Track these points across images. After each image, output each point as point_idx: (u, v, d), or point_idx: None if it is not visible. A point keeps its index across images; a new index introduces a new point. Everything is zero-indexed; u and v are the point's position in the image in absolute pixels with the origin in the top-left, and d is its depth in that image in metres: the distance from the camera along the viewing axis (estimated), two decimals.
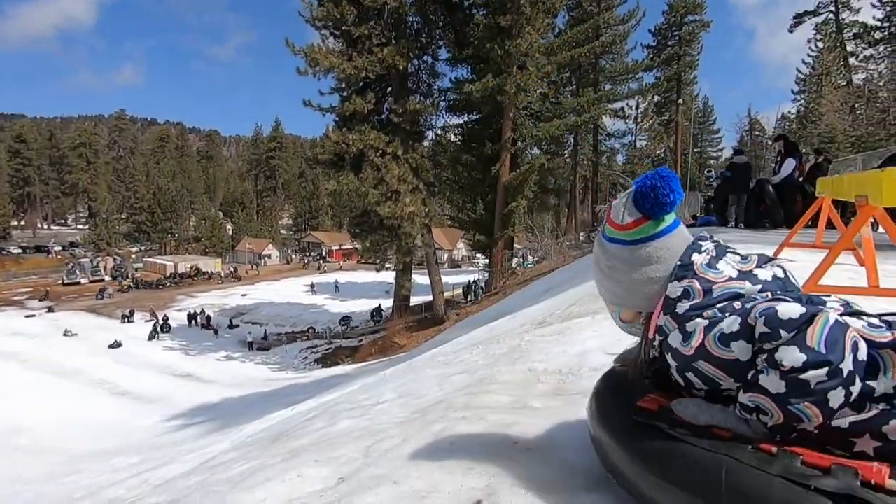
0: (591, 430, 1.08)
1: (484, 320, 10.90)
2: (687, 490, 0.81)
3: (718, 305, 0.86)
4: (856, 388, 0.73)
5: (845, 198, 3.36)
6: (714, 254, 0.96)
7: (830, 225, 4.39)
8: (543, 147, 26.34)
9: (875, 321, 0.82)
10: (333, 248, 57.82)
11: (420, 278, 26.89)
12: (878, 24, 33.49)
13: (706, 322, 0.85)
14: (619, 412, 0.98)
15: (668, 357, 0.91)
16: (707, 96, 55.17)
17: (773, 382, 0.75)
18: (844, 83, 33.13)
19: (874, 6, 33.64)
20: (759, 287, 0.88)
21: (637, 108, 38.29)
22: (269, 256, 56.74)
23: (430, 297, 22.42)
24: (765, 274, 0.91)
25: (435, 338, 15.58)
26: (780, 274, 0.93)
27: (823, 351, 0.71)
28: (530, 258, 28.06)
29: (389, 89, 21.42)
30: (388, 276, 34.53)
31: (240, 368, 20.90)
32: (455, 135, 23.89)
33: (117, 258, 51.44)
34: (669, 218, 0.98)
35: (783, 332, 0.74)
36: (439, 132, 23.68)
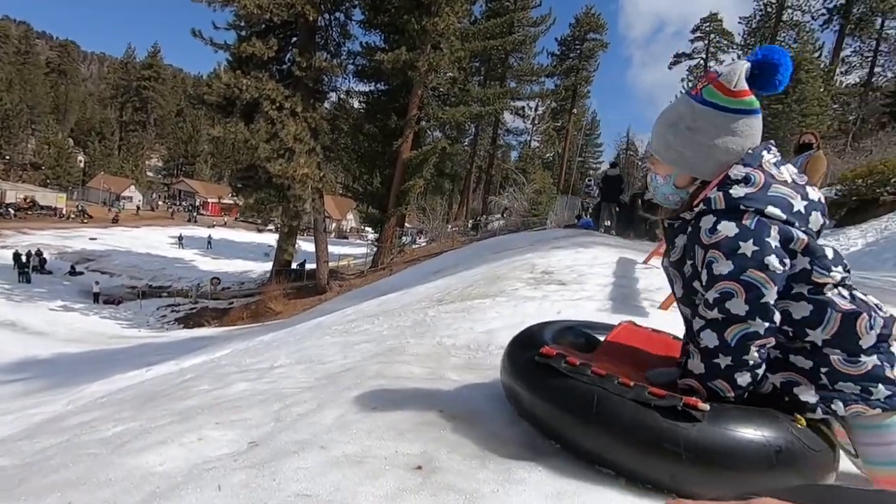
0: (502, 377, 1.35)
1: (371, 294, 10.82)
2: (569, 412, 1.09)
3: (758, 222, 0.97)
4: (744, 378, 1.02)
5: None
6: (779, 158, 1.07)
7: None
8: (446, 131, 26.58)
9: (846, 293, 1.03)
10: (210, 200, 52.73)
11: (305, 244, 25.77)
12: None
13: (733, 233, 0.97)
14: (524, 359, 1.25)
15: (689, 234, 1.06)
16: (595, 111, 59.95)
17: (708, 337, 1.02)
18: None
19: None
20: (805, 204, 1.01)
21: (536, 110, 40.36)
22: (130, 199, 49.93)
23: (313, 265, 21.61)
24: (813, 194, 1.04)
25: (316, 307, 15.10)
26: (820, 197, 1.06)
27: (732, 345, 0.99)
28: (421, 240, 28.35)
29: (295, 39, 19.88)
30: (269, 238, 32.64)
31: (80, 321, 18.22)
32: (360, 102, 23.07)
33: None
34: (758, 102, 1.06)
35: (726, 313, 0.99)
36: (343, 96, 22.69)
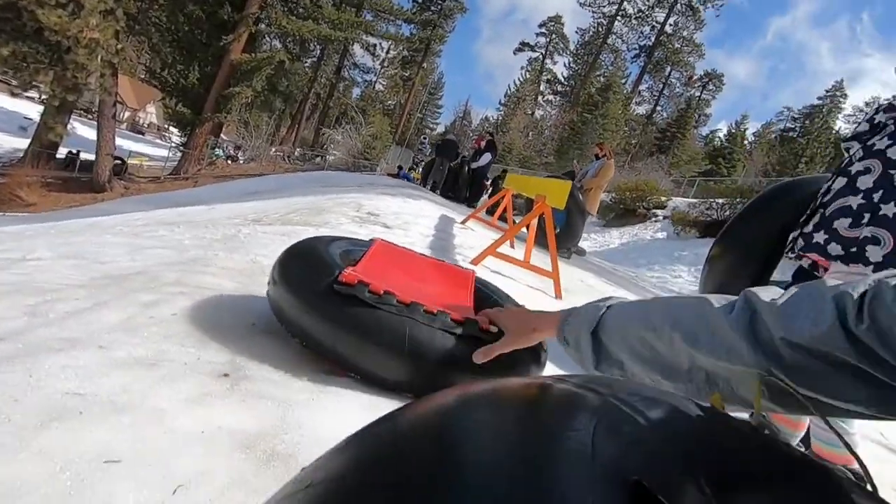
0: (274, 294, 1.18)
1: (166, 202, 9.44)
2: (381, 344, 1.03)
3: None
4: None
5: (527, 194, 4.38)
6: None
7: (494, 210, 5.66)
8: (288, 44, 24.03)
9: None
10: None
11: (83, 129, 20.89)
12: (563, 80, 44.20)
13: None
14: (313, 282, 1.09)
15: None
16: (443, 72, 61.07)
17: None
18: (531, 113, 42.36)
19: (565, 66, 44.22)
20: None
21: (387, 52, 39.24)
22: None
23: (91, 155, 17.68)
24: None
25: (88, 206, 12.53)
26: None
27: None
28: (239, 156, 25.43)
29: None
30: (29, 108, 25.59)
31: None
32: None
33: None
34: None
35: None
36: None
